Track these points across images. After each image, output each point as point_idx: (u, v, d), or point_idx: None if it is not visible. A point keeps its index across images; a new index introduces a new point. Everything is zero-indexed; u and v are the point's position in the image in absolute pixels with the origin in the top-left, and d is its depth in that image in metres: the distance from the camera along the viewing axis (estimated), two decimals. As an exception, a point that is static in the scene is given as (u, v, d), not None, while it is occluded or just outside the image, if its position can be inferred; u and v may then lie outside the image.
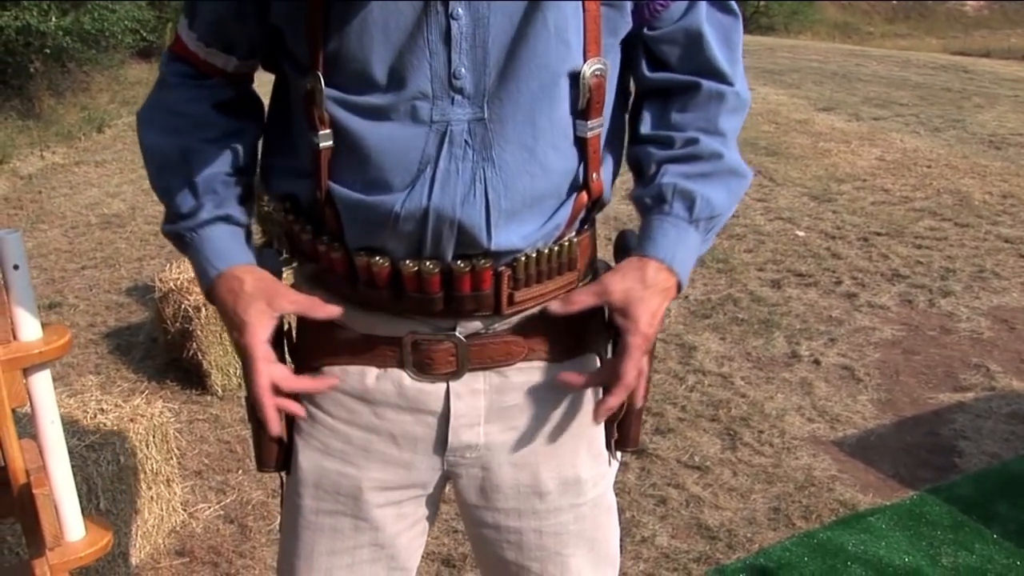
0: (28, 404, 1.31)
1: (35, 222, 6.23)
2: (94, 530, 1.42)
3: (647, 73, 1.14)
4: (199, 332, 3.41)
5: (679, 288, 1.11)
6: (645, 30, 1.10)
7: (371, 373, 1.14)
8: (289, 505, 1.24)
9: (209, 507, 2.82)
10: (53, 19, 9.12)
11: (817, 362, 3.74)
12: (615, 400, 1.09)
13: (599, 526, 1.27)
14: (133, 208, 6.46)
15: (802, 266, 4.86)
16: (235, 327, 1.11)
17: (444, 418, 1.15)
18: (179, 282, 3.57)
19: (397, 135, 1.02)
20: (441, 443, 1.16)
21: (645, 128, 1.15)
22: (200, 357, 3.44)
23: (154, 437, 2.56)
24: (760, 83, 11.80)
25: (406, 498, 1.21)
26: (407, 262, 1.05)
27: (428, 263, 1.04)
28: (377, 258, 1.06)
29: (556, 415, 1.18)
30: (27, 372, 1.29)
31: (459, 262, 1.05)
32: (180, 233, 1.15)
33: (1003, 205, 6.08)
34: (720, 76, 1.13)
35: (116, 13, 10.09)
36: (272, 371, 1.10)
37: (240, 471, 3.01)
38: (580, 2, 1.02)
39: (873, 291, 4.50)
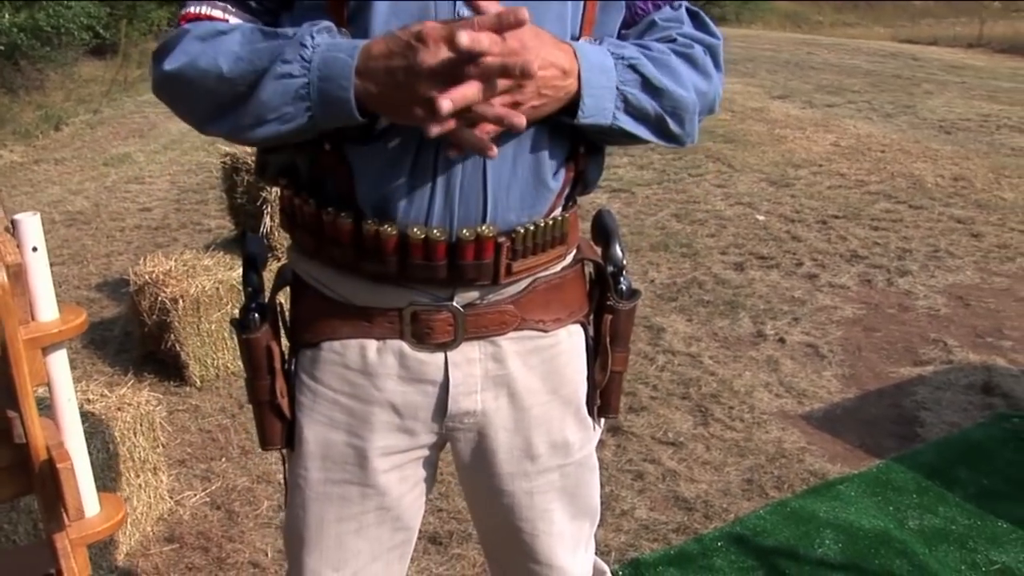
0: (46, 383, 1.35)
1: (-4, 220, 6.17)
2: (108, 505, 1.47)
3: None
4: (177, 324, 3.43)
5: (578, 74, 1.06)
6: (636, 38, 1.18)
7: (371, 346, 1.19)
8: (295, 479, 1.28)
9: (195, 494, 2.85)
10: (7, 16, 9.00)
11: (782, 340, 3.85)
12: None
13: (581, 483, 1.34)
14: (97, 205, 6.43)
15: (764, 249, 4.98)
16: (411, 83, 0.98)
17: (443, 387, 1.20)
18: (154, 275, 3.58)
19: None
20: (440, 410, 1.22)
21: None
22: (178, 348, 3.47)
23: (141, 425, 2.59)
24: (716, 72, 11.95)
25: (408, 461, 1.26)
26: (415, 229, 1.08)
27: (435, 231, 1.08)
28: (386, 226, 1.08)
29: (547, 383, 1.25)
30: (46, 351, 1.33)
31: (464, 231, 1.09)
32: (302, 42, 1.02)
33: (954, 187, 6.26)
34: (692, 38, 1.18)
35: (71, 10, 9.97)
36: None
37: (224, 459, 3.05)
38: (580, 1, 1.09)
39: (833, 272, 4.63)
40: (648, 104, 1.11)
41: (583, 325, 1.29)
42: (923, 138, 7.90)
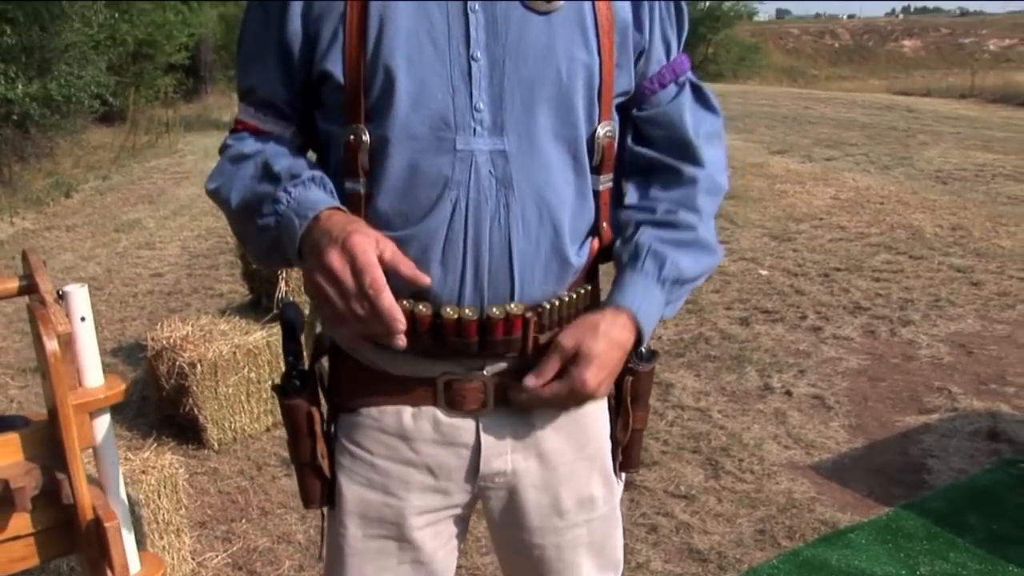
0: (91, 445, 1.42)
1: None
2: (148, 563, 1.53)
3: (632, 145, 1.30)
4: (195, 388, 3.50)
5: (639, 339, 1.21)
6: (635, 110, 1.27)
7: (406, 412, 1.25)
8: (334, 536, 1.34)
9: (217, 555, 2.90)
10: (20, 87, 9.20)
11: (789, 393, 3.91)
12: (534, 381, 1.19)
13: (607, 536, 1.40)
14: (109, 271, 6.53)
15: (768, 303, 5.06)
16: (338, 237, 1.04)
17: (476, 450, 1.27)
18: (171, 340, 3.66)
19: (425, 165, 1.12)
20: (473, 471, 1.28)
21: (630, 199, 1.30)
22: (196, 412, 3.53)
23: (164, 488, 2.65)
24: (714, 129, 12.14)
25: (442, 519, 1.33)
26: (447, 308, 1.15)
27: (467, 310, 1.16)
28: (420, 306, 1.15)
29: (573, 443, 1.32)
30: (92, 416, 1.40)
31: (494, 309, 1.16)
32: (274, 211, 1.12)
33: (953, 237, 6.36)
34: (696, 161, 1.26)
35: (83, 79, 10.19)
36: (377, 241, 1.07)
37: (244, 520, 3.10)
38: (598, 65, 1.16)
39: (837, 324, 4.71)
40: (688, 288, 1.28)
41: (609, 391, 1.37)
42: (920, 189, 8.03)
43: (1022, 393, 3.82)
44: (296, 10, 1.15)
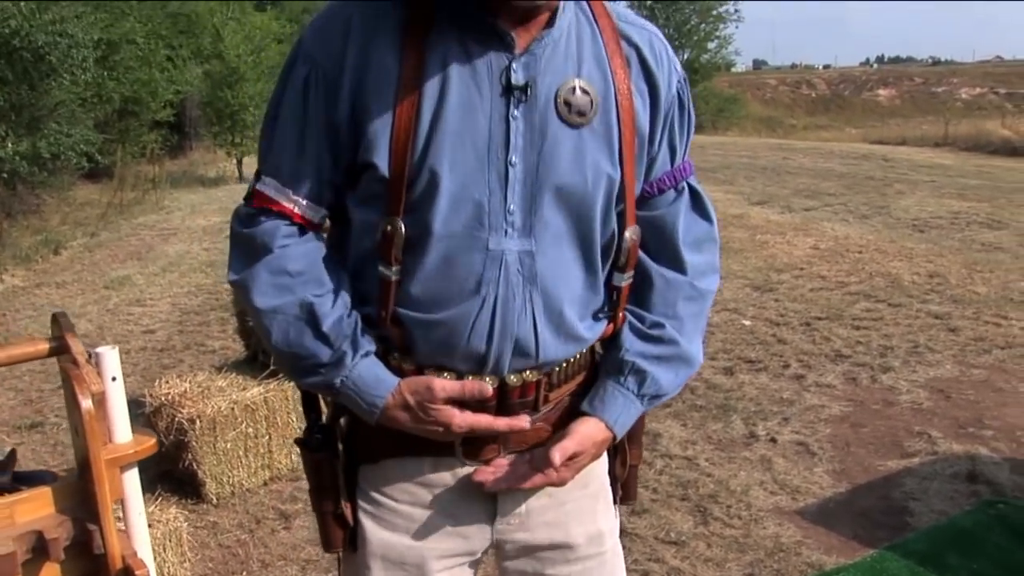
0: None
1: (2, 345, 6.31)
2: (170, 611, 1.61)
3: None
4: (194, 443, 3.57)
5: (614, 439, 1.35)
6: (636, 210, 1.36)
7: (427, 462, 1.35)
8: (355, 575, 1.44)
9: (218, 608, 2.96)
10: (10, 145, 9.31)
11: (774, 440, 4.01)
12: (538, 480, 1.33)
13: (615, 568, 1.50)
14: (100, 328, 6.60)
15: (751, 353, 5.18)
16: (427, 425, 1.27)
17: (491, 495, 1.37)
18: (170, 396, 3.74)
19: (460, 261, 1.21)
20: (491, 515, 1.38)
21: (627, 303, 1.39)
22: (195, 467, 3.60)
23: (169, 541, 2.72)
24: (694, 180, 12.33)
25: (459, 563, 1.42)
26: (470, 378, 1.26)
27: (488, 379, 1.27)
28: (444, 374, 1.26)
29: (578, 481, 1.41)
30: (122, 470, 1.49)
31: (512, 377, 1.28)
32: (329, 381, 1.25)
33: (930, 284, 6.52)
34: (679, 268, 1.35)
35: (72, 138, 10.31)
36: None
37: (244, 573, 3.16)
38: (619, 177, 1.26)
39: (819, 372, 4.83)
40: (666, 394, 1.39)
41: None
42: (898, 237, 8.21)
43: (999, 436, 3.94)
44: (346, 96, 1.20)
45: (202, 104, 20.50)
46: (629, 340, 1.35)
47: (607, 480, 1.46)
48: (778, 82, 50.67)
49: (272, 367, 3.86)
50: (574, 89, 1.21)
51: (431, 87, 1.18)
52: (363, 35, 1.19)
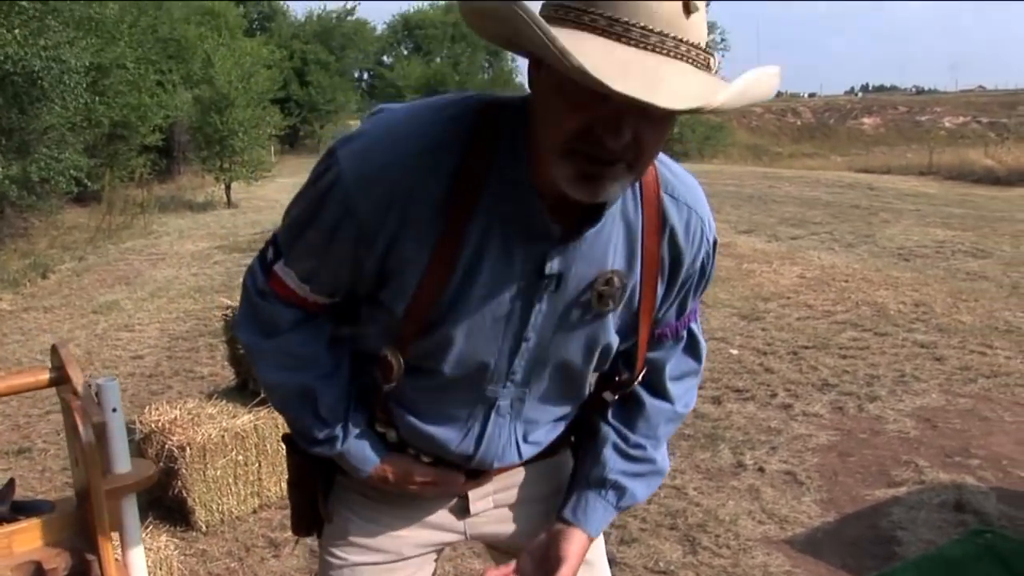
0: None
1: (1, 376, 6.28)
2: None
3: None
4: (184, 471, 3.57)
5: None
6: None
7: None
8: (334, 562, 1.47)
9: (208, 637, 2.95)
10: (0, 169, 9.31)
11: (762, 470, 4.03)
12: None
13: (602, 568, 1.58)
14: (89, 353, 6.58)
15: (739, 382, 5.21)
16: (404, 490, 1.38)
17: (465, 496, 1.46)
18: (160, 423, 3.74)
19: (454, 398, 1.30)
20: (463, 511, 1.47)
21: (612, 416, 1.45)
22: (185, 494, 3.60)
23: (160, 569, 2.72)
24: (683, 208, 12.39)
25: (432, 550, 1.50)
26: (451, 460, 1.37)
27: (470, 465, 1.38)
28: (425, 456, 1.37)
29: (552, 481, 1.50)
30: (121, 500, 1.51)
31: (494, 463, 1.38)
32: (323, 452, 1.34)
33: (916, 313, 6.58)
34: (666, 398, 1.43)
35: (62, 162, 10.31)
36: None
37: (233, 601, 3.15)
38: (629, 346, 1.33)
39: (806, 401, 4.86)
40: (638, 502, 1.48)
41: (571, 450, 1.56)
42: (884, 266, 8.29)
43: (986, 465, 3.97)
44: (377, 250, 1.16)
45: (191, 129, 20.51)
46: (612, 459, 1.42)
47: None
48: (764, 110, 51.05)
49: (262, 395, 3.86)
50: (608, 280, 1.22)
51: (465, 260, 1.16)
52: (408, 198, 1.13)
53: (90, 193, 15.20)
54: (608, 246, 1.20)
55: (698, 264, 1.30)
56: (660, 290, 1.29)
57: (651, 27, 0.95)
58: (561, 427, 1.43)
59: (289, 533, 3.53)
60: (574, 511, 1.40)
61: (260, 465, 3.76)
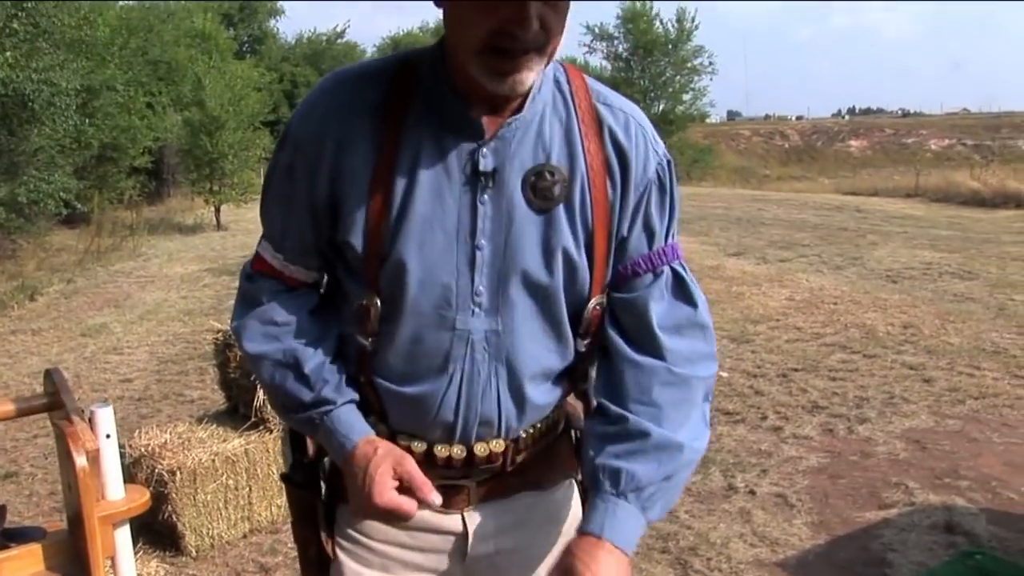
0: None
1: (-20, 396, 6.25)
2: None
3: (609, 328, 1.38)
4: (174, 495, 3.55)
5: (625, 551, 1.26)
6: (612, 291, 1.34)
7: None
8: None
9: (197, 663, 2.93)
10: (-12, 193, 9.31)
11: (752, 492, 4.04)
12: None
13: None
14: (78, 376, 6.54)
15: (729, 405, 5.22)
16: (364, 482, 1.27)
17: (463, 536, 1.41)
18: (150, 447, 3.72)
19: (428, 338, 1.27)
20: (461, 554, 1.42)
21: (596, 393, 1.40)
22: (175, 519, 3.58)
23: (150, 596, 2.70)
24: (672, 230, 12.45)
25: None
26: (439, 447, 1.33)
27: (456, 448, 1.33)
28: (416, 442, 1.33)
29: (549, 526, 1.47)
30: (114, 527, 1.50)
31: (479, 446, 1.34)
32: (309, 418, 1.32)
33: (904, 335, 6.61)
34: (656, 353, 1.31)
35: (51, 185, 10.30)
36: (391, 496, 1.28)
37: (223, 626, 3.14)
38: (586, 260, 1.29)
39: (796, 423, 4.87)
40: (665, 488, 1.30)
41: (575, 479, 1.52)
42: (872, 288, 8.33)
43: (975, 486, 3.98)
44: (324, 180, 1.26)
45: (181, 151, 20.52)
46: (596, 444, 1.31)
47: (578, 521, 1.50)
48: (751, 133, 51.38)
49: (253, 419, 3.86)
50: (542, 174, 1.24)
51: (404, 172, 1.23)
52: (342, 121, 1.25)
53: (79, 215, 15.19)
54: (542, 141, 1.25)
55: (651, 173, 1.30)
56: (612, 196, 1.28)
57: None
58: (551, 392, 1.35)
59: (280, 558, 3.53)
60: (584, 520, 1.30)
61: (251, 489, 3.74)
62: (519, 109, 1.23)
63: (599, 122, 1.28)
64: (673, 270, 1.34)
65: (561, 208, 1.26)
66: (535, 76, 1.17)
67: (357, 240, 1.25)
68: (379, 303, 1.27)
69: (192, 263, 12.28)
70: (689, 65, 38.69)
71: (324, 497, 1.44)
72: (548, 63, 1.19)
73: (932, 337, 6.53)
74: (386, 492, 1.26)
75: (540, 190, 1.24)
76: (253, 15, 41.01)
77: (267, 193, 1.35)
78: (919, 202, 18.51)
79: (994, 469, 4.18)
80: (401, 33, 49.54)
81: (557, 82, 1.29)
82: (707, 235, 12.33)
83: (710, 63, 38.70)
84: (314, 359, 1.31)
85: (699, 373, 1.33)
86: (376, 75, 1.27)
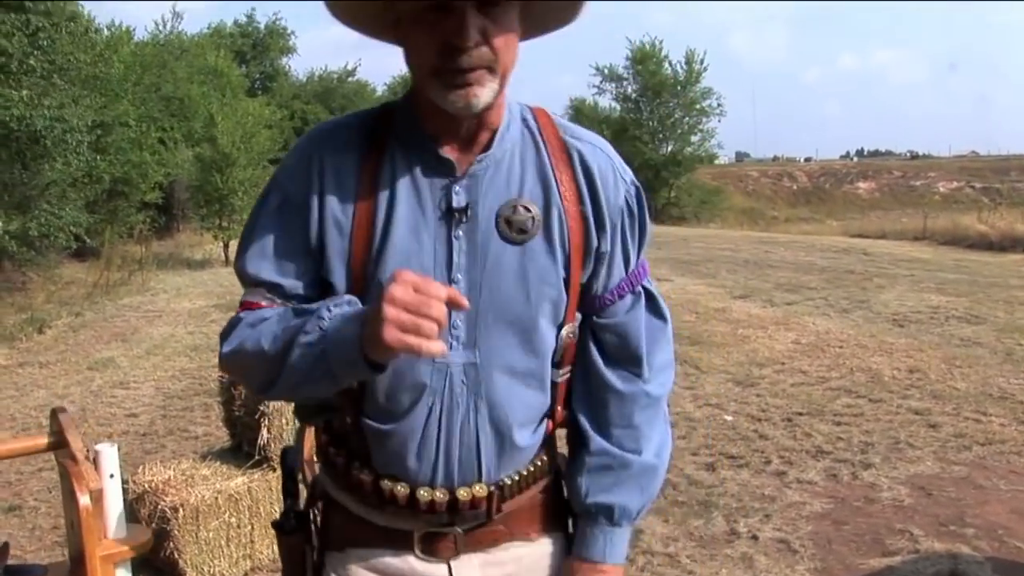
0: (112, 596, 1.53)
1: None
2: None
3: (592, 353, 1.44)
4: (176, 532, 3.55)
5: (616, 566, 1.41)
6: (594, 317, 1.41)
7: (387, 553, 1.42)
8: None
9: None
10: (0, 225, 9.38)
11: (755, 537, 4.02)
12: None
13: None
14: (84, 410, 6.57)
15: (733, 448, 5.20)
16: (417, 319, 1.10)
17: None
18: (153, 484, 3.73)
19: (407, 372, 1.29)
20: None
21: (583, 426, 1.45)
22: (176, 556, 3.57)
23: (150, 634, 2.70)
24: (678, 273, 12.50)
25: None
26: (422, 491, 1.34)
27: (439, 492, 1.35)
28: (399, 485, 1.35)
29: (534, 572, 1.47)
30: (116, 566, 1.52)
31: (462, 491, 1.35)
32: (319, 314, 1.20)
33: (911, 379, 6.59)
34: (640, 375, 1.42)
35: (62, 219, 10.39)
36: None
37: (222, 666, 3.12)
38: (564, 290, 1.33)
39: (800, 468, 4.85)
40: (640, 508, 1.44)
41: (564, 531, 1.52)
42: (878, 332, 8.32)
43: (981, 534, 3.96)
44: (315, 223, 1.30)
45: (191, 187, 20.70)
46: (584, 481, 1.42)
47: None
48: (760, 174, 51.54)
49: (257, 457, 3.87)
50: (515, 208, 1.29)
51: (382, 212, 1.28)
52: (326, 166, 1.30)
53: (89, 248, 15.30)
54: (514, 177, 1.31)
55: (621, 200, 1.37)
56: (587, 224, 1.34)
57: None
58: (530, 433, 1.38)
59: (280, 597, 3.51)
60: (576, 545, 1.43)
61: (253, 527, 3.74)
62: (488, 147, 1.30)
63: (568, 154, 1.35)
64: (645, 288, 1.44)
65: (539, 239, 1.31)
66: (489, 94, 1.22)
67: (340, 281, 1.30)
68: None
69: (200, 298, 12.33)
70: (698, 107, 38.99)
71: (314, 545, 1.46)
72: (503, 85, 1.24)
73: (938, 382, 6.51)
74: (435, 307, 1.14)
75: (515, 223, 1.29)
76: (265, 52, 41.51)
77: (252, 242, 1.34)
78: (927, 245, 18.52)
79: (1000, 517, 4.15)
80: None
81: (525, 120, 1.36)
82: (714, 277, 12.35)
83: (719, 104, 39.00)
84: (307, 306, 1.26)
85: (667, 385, 1.47)
86: (358, 124, 1.34)
